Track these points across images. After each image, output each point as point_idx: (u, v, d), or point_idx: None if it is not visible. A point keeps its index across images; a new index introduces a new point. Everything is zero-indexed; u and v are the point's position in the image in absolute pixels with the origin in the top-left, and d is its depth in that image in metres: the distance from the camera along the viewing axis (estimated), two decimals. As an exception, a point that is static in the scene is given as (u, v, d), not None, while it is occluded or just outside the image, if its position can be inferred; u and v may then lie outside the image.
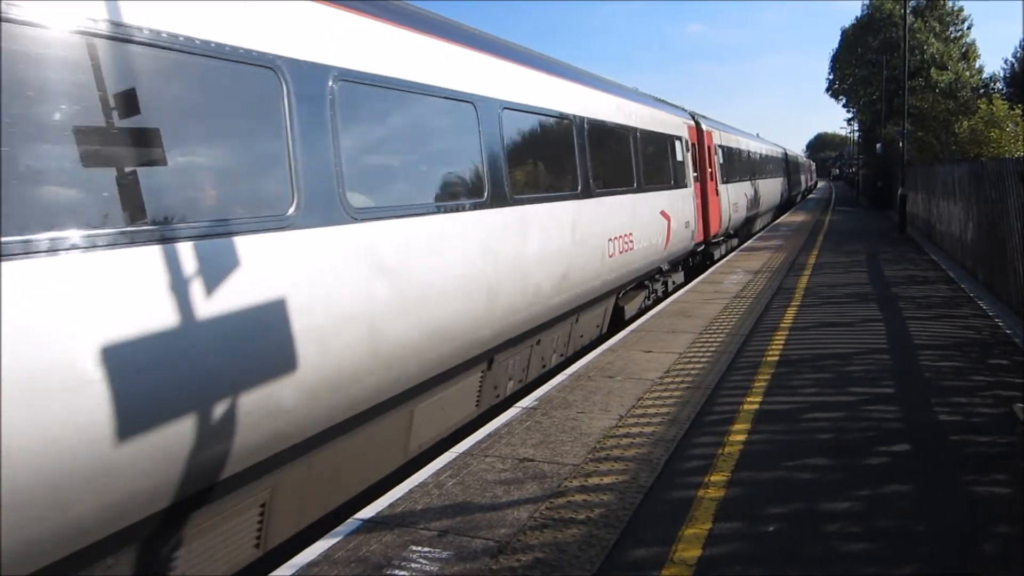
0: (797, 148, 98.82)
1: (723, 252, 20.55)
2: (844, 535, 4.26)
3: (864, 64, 49.40)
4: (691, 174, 15.71)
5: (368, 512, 4.78)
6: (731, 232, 21.54)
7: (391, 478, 5.91)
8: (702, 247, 17.22)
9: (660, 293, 13.99)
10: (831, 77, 55.93)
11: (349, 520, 4.69)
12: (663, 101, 15.76)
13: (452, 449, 5.88)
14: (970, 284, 12.79)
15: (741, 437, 5.87)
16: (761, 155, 31.18)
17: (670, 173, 13.97)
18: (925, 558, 3.99)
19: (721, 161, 19.66)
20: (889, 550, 4.07)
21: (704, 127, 17.98)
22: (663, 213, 12.91)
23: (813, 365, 7.96)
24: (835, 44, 56.31)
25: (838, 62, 54.19)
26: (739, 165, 23.28)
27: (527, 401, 7.08)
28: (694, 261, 17.46)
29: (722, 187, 19.36)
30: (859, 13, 52.58)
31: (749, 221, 26.57)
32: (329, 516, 5.26)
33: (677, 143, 14.79)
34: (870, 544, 4.15)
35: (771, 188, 33.42)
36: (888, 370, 7.65)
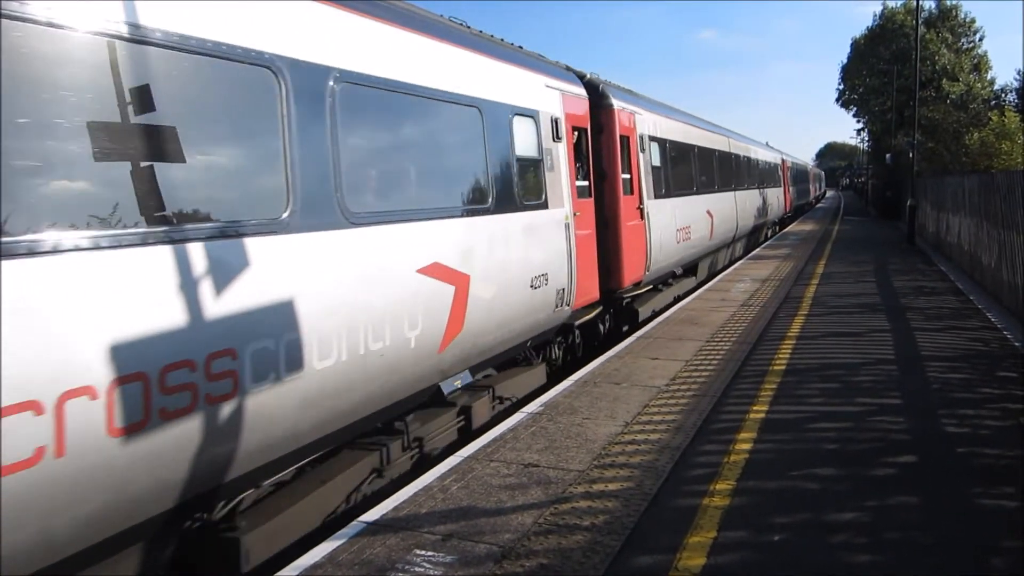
0: (806, 156, 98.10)
1: (665, 303, 13.29)
2: (850, 546, 4.24)
3: (875, 74, 49.28)
4: (566, 184, 8.82)
5: (372, 515, 4.78)
6: (677, 271, 14.58)
7: (397, 482, 5.91)
8: (598, 310, 10.01)
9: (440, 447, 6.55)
10: (841, 87, 55.87)
11: (353, 523, 4.69)
12: (497, 42, 8.37)
13: (457, 453, 5.88)
14: (979, 296, 12.72)
15: (747, 446, 5.85)
16: (744, 158, 23.70)
17: (481, 183, 7.05)
18: (932, 570, 3.96)
19: (656, 163, 12.77)
20: (896, 562, 4.05)
21: (616, 104, 10.81)
22: (437, 270, 6.03)
23: (820, 375, 7.93)
24: (846, 53, 56.14)
25: (848, 72, 54.10)
26: (697, 171, 16.24)
27: (533, 406, 7.07)
28: (606, 326, 11.00)
29: (654, 204, 12.18)
30: (871, 23, 52.52)
31: (737, 241, 21.56)
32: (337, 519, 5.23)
33: (520, 122, 7.88)
34: (877, 555, 4.12)
35: (761, 202, 26.13)
36: (895, 381, 7.62)
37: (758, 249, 23.99)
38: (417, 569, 4.07)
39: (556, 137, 8.72)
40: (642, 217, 11.56)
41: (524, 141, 7.97)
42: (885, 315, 11.33)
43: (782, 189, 33.75)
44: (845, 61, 54.41)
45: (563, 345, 9.72)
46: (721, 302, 13.02)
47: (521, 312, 7.63)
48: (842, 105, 56.57)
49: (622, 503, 4.83)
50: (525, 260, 7.69)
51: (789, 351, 9.03)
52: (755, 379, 7.78)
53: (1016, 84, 40.71)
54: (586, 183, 9.78)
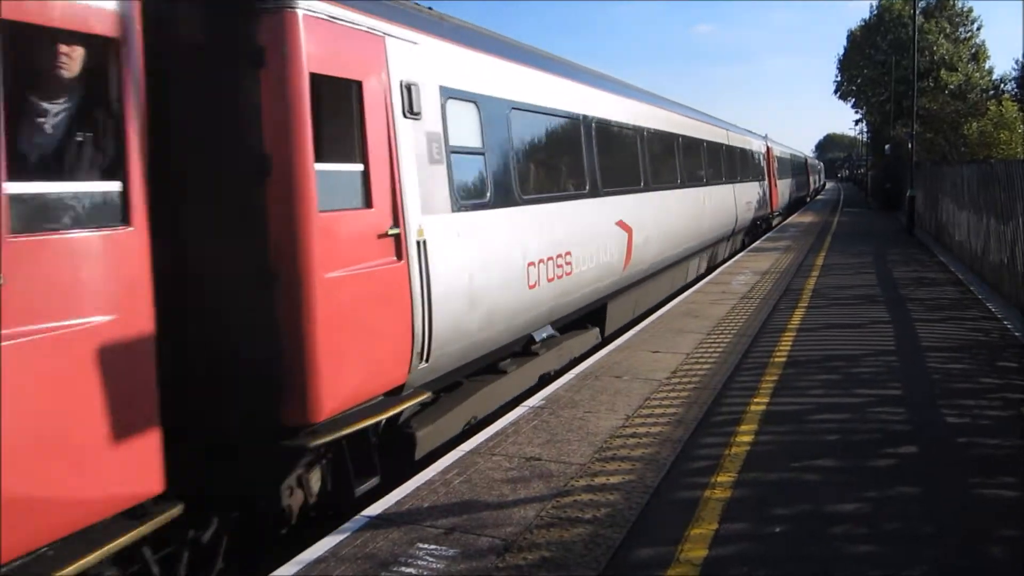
0: (807, 148, 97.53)
1: (514, 394, 7.65)
2: (851, 537, 4.26)
3: (873, 65, 49.20)
4: None
5: (375, 509, 4.80)
6: (543, 335, 8.43)
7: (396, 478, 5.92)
8: (136, 532, 3.67)
9: None
10: (839, 79, 55.76)
11: (356, 517, 4.71)
12: None
13: (459, 447, 5.90)
14: (979, 286, 12.73)
15: (748, 438, 5.87)
16: (702, 143, 16.86)
17: None
18: (932, 561, 3.98)
19: (470, 143, 6.76)
20: (896, 552, 4.07)
21: (305, 7, 4.59)
22: None
23: (821, 366, 7.94)
24: (842, 46, 56.02)
25: (845, 63, 54.01)
26: (595, 158, 9.63)
27: (534, 400, 7.09)
28: (302, 493, 5.16)
29: (455, 223, 6.24)
30: (867, 14, 52.44)
31: (686, 260, 15.21)
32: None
33: None
34: (877, 546, 4.14)
35: (732, 201, 19.56)
36: (896, 372, 7.64)
37: (758, 242, 23.98)
38: (420, 563, 4.09)
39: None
40: (400, 255, 5.51)
41: None
42: (885, 306, 11.35)
43: (766, 183, 27.14)
44: (842, 53, 54.37)
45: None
46: (721, 295, 13.03)
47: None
48: (840, 97, 56.52)
49: (624, 496, 4.85)
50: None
51: (790, 343, 9.04)
52: (756, 371, 7.80)
53: (1015, 73, 40.65)
54: (113, 187, 3.70)
